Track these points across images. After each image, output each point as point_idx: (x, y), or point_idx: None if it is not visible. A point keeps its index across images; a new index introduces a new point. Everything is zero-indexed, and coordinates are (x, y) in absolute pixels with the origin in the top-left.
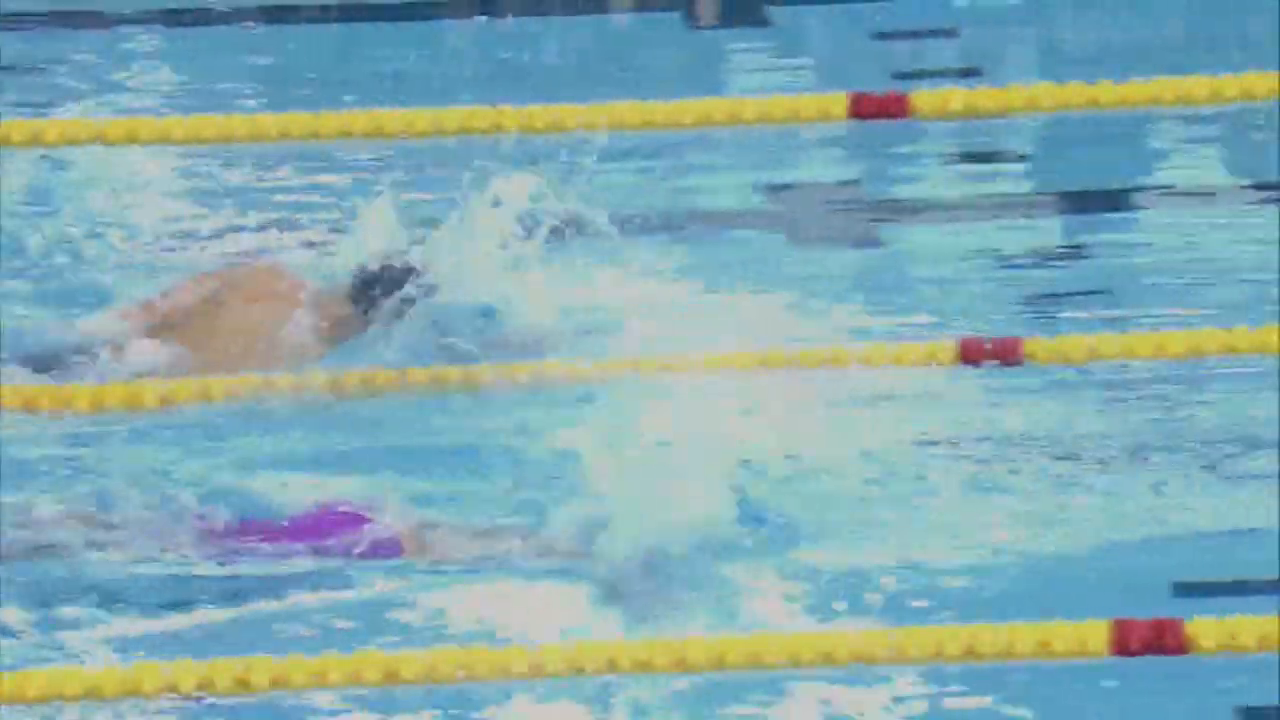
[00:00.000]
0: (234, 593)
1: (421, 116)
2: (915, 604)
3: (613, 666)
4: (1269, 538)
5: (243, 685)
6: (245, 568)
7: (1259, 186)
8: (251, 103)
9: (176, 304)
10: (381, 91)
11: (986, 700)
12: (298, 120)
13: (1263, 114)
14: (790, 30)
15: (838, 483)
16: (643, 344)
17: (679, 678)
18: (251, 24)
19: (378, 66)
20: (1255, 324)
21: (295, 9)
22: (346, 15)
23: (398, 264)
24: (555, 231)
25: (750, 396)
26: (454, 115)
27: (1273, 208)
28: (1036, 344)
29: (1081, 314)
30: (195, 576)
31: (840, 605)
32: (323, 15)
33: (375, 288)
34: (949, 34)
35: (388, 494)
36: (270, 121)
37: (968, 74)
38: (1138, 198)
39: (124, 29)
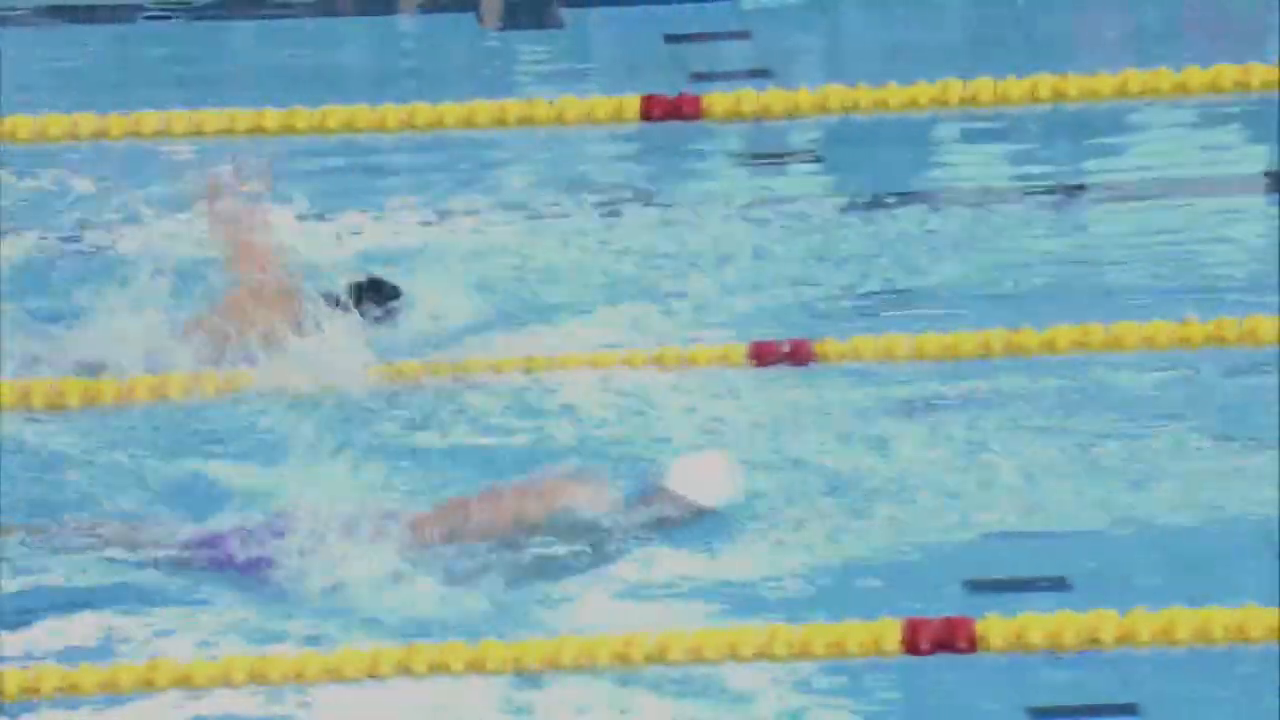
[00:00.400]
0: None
1: (210, 117)
2: (712, 605)
3: (406, 670)
4: (1059, 539)
5: (31, 692)
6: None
7: (1045, 188)
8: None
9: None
10: (169, 92)
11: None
12: (85, 120)
13: (1047, 115)
14: (582, 33)
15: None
16: (450, 346)
17: (506, 678)
18: (38, 24)
19: (164, 67)
20: (1041, 325)
21: (78, 9)
22: (129, 15)
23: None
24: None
25: (558, 399)
26: (244, 116)
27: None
28: (828, 345)
29: (871, 312)
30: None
31: (637, 607)
32: (111, 15)
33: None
34: (739, 36)
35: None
36: (52, 122)
37: (758, 75)
38: (925, 198)
39: None
